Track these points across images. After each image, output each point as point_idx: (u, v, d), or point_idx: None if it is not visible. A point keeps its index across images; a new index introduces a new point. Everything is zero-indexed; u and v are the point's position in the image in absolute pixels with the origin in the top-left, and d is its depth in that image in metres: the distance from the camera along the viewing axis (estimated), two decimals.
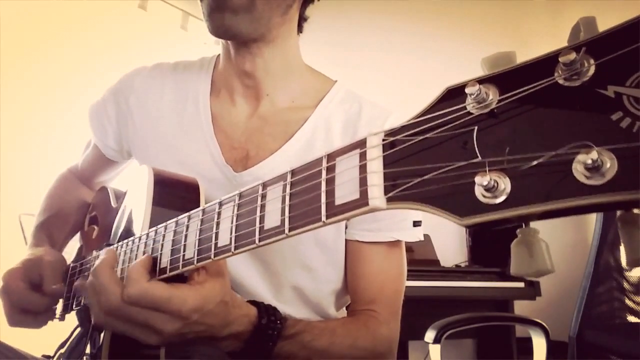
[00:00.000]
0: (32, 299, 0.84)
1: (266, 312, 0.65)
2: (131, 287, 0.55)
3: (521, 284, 2.34)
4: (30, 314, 0.86)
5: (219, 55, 0.94)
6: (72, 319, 0.91)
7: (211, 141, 0.86)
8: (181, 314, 0.55)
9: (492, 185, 0.28)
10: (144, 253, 0.64)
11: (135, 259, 0.64)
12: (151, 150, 0.92)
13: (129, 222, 0.79)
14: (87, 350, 0.79)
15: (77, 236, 1.08)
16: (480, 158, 0.30)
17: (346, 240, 0.85)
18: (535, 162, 0.27)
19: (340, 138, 0.85)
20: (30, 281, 0.85)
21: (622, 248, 0.32)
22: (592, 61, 0.26)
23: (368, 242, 0.83)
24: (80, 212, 1.09)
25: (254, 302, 0.66)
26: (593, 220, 1.78)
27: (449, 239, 2.73)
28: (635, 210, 0.26)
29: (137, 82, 0.96)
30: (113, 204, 0.96)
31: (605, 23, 0.27)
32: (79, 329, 0.89)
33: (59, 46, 2.15)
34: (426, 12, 2.96)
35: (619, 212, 0.26)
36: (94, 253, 0.88)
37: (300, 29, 0.92)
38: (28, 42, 2.08)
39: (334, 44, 2.82)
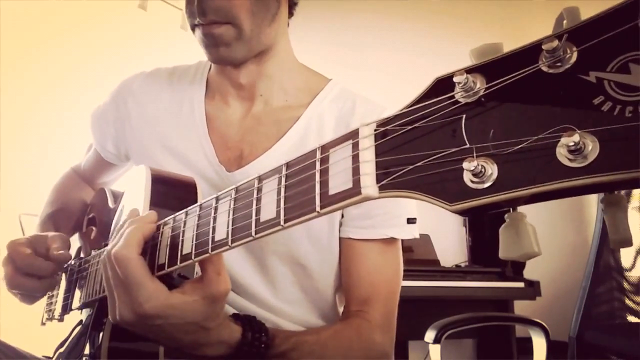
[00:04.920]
0: (38, 262, 0.83)
1: (252, 333, 0.63)
2: (120, 249, 0.55)
3: (521, 284, 2.34)
4: (33, 277, 0.84)
5: None
6: (71, 319, 0.92)
7: (205, 141, 0.87)
8: (139, 307, 0.54)
9: (479, 170, 0.29)
10: (143, 251, 0.64)
11: None
12: (148, 152, 0.93)
13: None
14: (87, 351, 0.79)
15: (76, 237, 1.09)
16: (468, 145, 0.30)
17: (340, 238, 0.85)
18: (519, 147, 0.27)
19: (333, 135, 0.85)
20: (36, 250, 0.85)
21: (608, 233, 0.33)
22: (574, 48, 0.27)
23: (361, 240, 0.83)
24: (83, 210, 1.10)
25: (242, 320, 0.65)
26: (593, 221, 1.78)
27: (449, 239, 2.73)
28: (617, 192, 0.26)
29: (135, 86, 0.98)
30: (111, 204, 0.97)
31: None
32: (77, 329, 0.89)
33: (59, 46, 2.16)
34: (426, 11, 2.97)
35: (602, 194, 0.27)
36: (93, 253, 0.88)
37: (290, 14, 0.91)
38: (28, 42, 2.09)
39: (334, 44, 2.83)
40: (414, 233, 0.85)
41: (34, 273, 0.84)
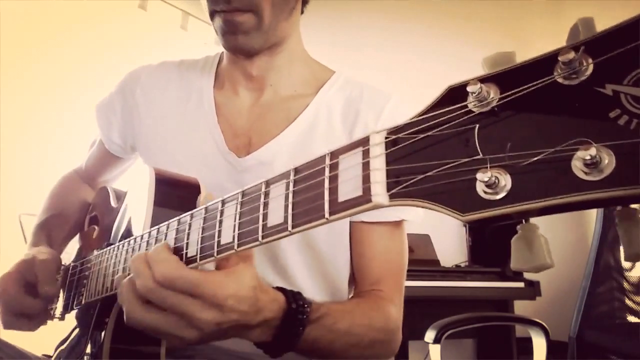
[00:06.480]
0: (26, 303, 0.84)
1: (293, 296, 0.63)
2: (163, 266, 0.51)
3: (521, 284, 2.35)
4: (24, 317, 0.86)
5: (223, 52, 0.97)
6: (72, 318, 0.92)
7: (215, 129, 0.88)
8: (217, 299, 0.51)
9: (493, 181, 0.29)
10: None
11: None
12: (156, 142, 0.93)
13: (130, 222, 0.80)
14: (88, 350, 0.79)
15: (78, 236, 1.09)
16: (481, 155, 0.30)
17: (351, 222, 0.86)
18: (535, 159, 0.27)
19: (342, 120, 0.87)
20: (25, 282, 0.85)
21: (622, 247, 0.33)
22: (590, 60, 0.27)
23: (373, 223, 0.84)
24: (82, 212, 1.09)
25: (278, 288, 0.64)
26: (593, 220, 1.78)
27: (449, 239, 2.73)
28: (633, 206, 0.26)
29: (144, 76, 0.99)
30: (113, 204, 0.96)
31: (605, 23, 0.28)
32: (79, 328, 0.89)
33: (59, 46, 2.16)
34: (426, 12, 2.97)
35: (617, 208, 0.27)
36: (95, 253, 0.88)
37: (302, 11, 0.93)
38: (28, 42, 2.08)
39: (334, 44, 2.83)
40: (420, 214, 0.87)
41: (24, 313, 0.85)
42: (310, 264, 0.86)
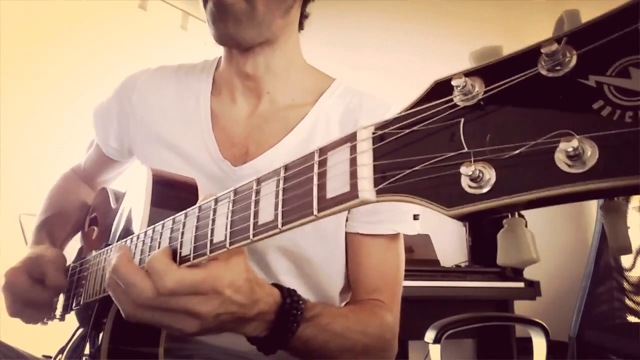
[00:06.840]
0: (35, 291, 0.84)
1: (288, 293, 0.64)
2: (166, 278, 0.52)
3: (521, 284, 2.34)
4: (31, 306, 0.86)
5: (221, 56, 0.96)
6: (72, 319, 0.92)
7: (209, 137, 0.88)
8: (217, 290, 0.53)
9: (477, 175, 0.28)
10: (141, 251, 0.64)
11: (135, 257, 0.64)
12: (152, 147, 0.93)
13: (128, 222, 0.80)
14: (87, 351, 0.79)
15: (78, 237, 1.09)
16: (466, 149, 0.30)
17: (346, 233, 0.86)
18: (517, 152, 0.27)
19: (340, 130, 0.87)
20: (32, 277, 0.85)
21: (608, 241, 0.32)
22: (573, 52, 0.27)
23: (369, 235, 0.84)
24: (82, 212, 1.09)
25: (274, 284, 0.65)
26: (593, 221, 1.78)
27: (449, 239, 2.73)
28: (617, 198, 0.26)
29: (140, 81, 0.98)
30: (113, 204, 0.97)
31: None
32: (80, 331, 0.89)
33: (59, 46, 2.16)
34: (426, 12, 2.97)
35: (601, 201, 0.26)
36: (94, 253, 0.88)
37: (300, 26, 0.93)
38: (28, 42, 2.09)
39: (334, 44, 2.83)
40: (417, 228, 0.87)
41: (32, 301, 0.85)
42: (303, 274, 0.85)
